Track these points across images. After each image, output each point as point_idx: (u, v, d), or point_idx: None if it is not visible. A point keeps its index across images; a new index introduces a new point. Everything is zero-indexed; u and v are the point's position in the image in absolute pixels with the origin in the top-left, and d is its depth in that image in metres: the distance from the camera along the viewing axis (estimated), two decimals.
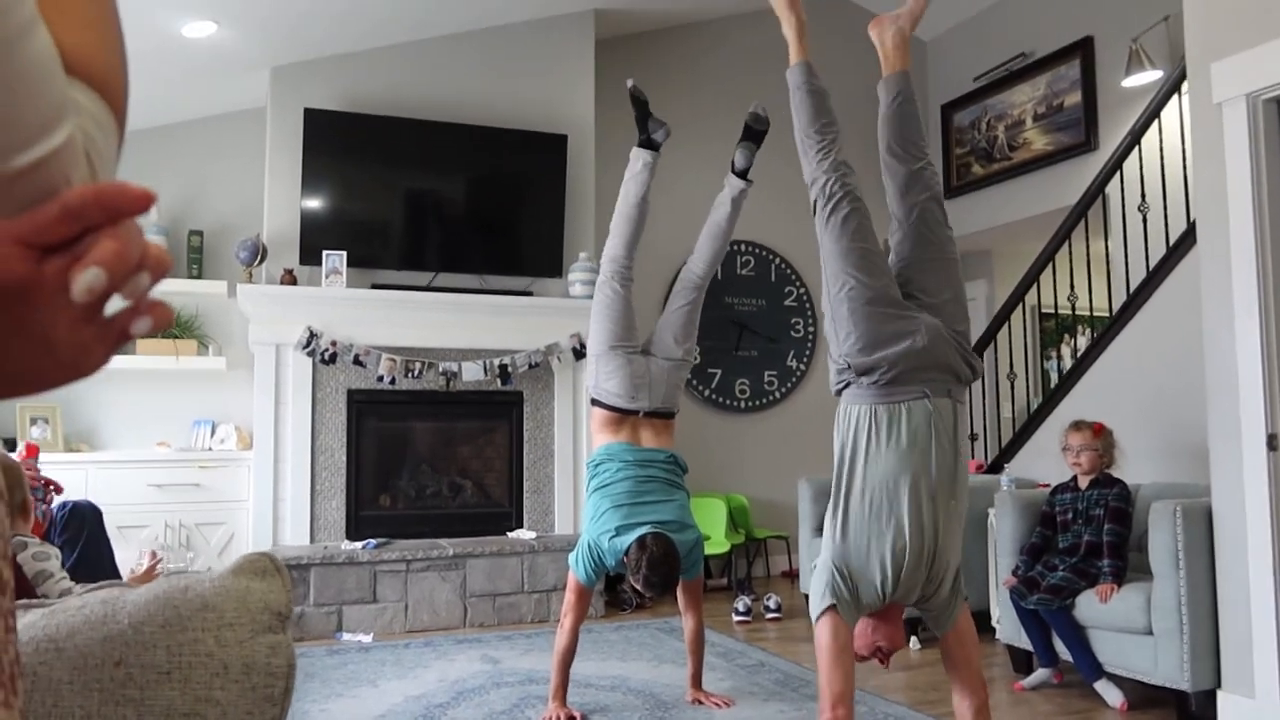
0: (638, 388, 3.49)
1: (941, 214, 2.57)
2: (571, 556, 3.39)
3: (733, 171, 3.80)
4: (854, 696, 2.30)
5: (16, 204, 0.46)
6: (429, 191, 5.46)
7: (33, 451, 3.75)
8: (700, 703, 3.55)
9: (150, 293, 0.49)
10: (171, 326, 0.49)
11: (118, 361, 5.14)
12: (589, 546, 3.31)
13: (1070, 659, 3.71)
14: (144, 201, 0.46)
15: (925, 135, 2.61)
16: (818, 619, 2.36)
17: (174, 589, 0.92)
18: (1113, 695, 3.57)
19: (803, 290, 6.96)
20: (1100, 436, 3.88)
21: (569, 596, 3.35)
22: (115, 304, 0.48)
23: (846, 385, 2.45)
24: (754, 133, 3.79)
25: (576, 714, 3.38)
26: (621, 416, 3.51)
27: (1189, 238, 4.30)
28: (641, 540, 3.15)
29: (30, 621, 0.91)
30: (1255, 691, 3.20)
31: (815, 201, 2.47)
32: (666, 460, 3.45)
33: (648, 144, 3.75)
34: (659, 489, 3.36)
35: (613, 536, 3.22)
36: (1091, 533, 3.76)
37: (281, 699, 0.91)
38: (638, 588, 3.18)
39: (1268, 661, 3.16)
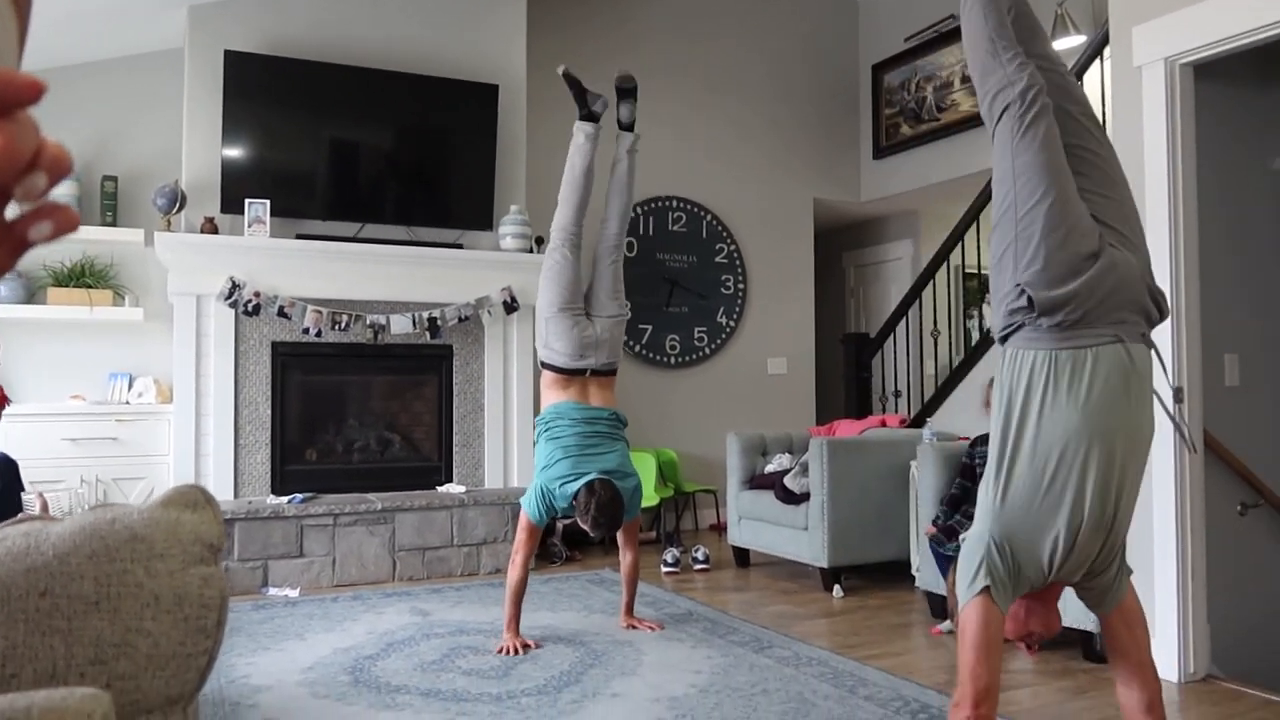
0: (585, 348, 3.78)
1: (1100, 132, 2.20)
2: (524, 498, 3.71)
3: (620, 127, 4.07)
4: (999, 691, 1.98)
5: None
6: (356, 140, 5.33)
7: None
8: (634, 627, 3.92)
9: (51, 194, 0.46)
10: (76, 231, 0.46)
11: (28, 311, 4.95)
12: (541, 491, 3.64)
13: None
14: (33, 91, 0.42)
15: (1048, 42, 2.28)
16: (965, 603, 2.01)
17: (100, 521, 0.90)
18: None
19: (733, 247, 7.01)
20: None
21: (520, 535, 3.71)
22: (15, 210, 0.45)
23: (1018, 327, 2.06)
24: (626, 91, 4.05)
25: (530, 642, 3.66)
26: (569, 377, 3.79)
27: None
28: (590, 485, 3.52)
29: None
30: (1155, 631, 3.36)
31: (1008, 105, 2.08)
32: (609, 417, 3.79)
33: (588, 116, 3.98)
34: (603, 441, 3.70)
35: (564, 484, 3.59)
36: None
37: (214, 630, 0.90)
38: (585, 527, 3.54)
39: (1168, 603, 3.33)
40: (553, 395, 3.80)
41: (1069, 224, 2.01)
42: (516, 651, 3.57)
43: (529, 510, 3.68)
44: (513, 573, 3.66)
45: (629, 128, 4.06)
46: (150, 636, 0.85)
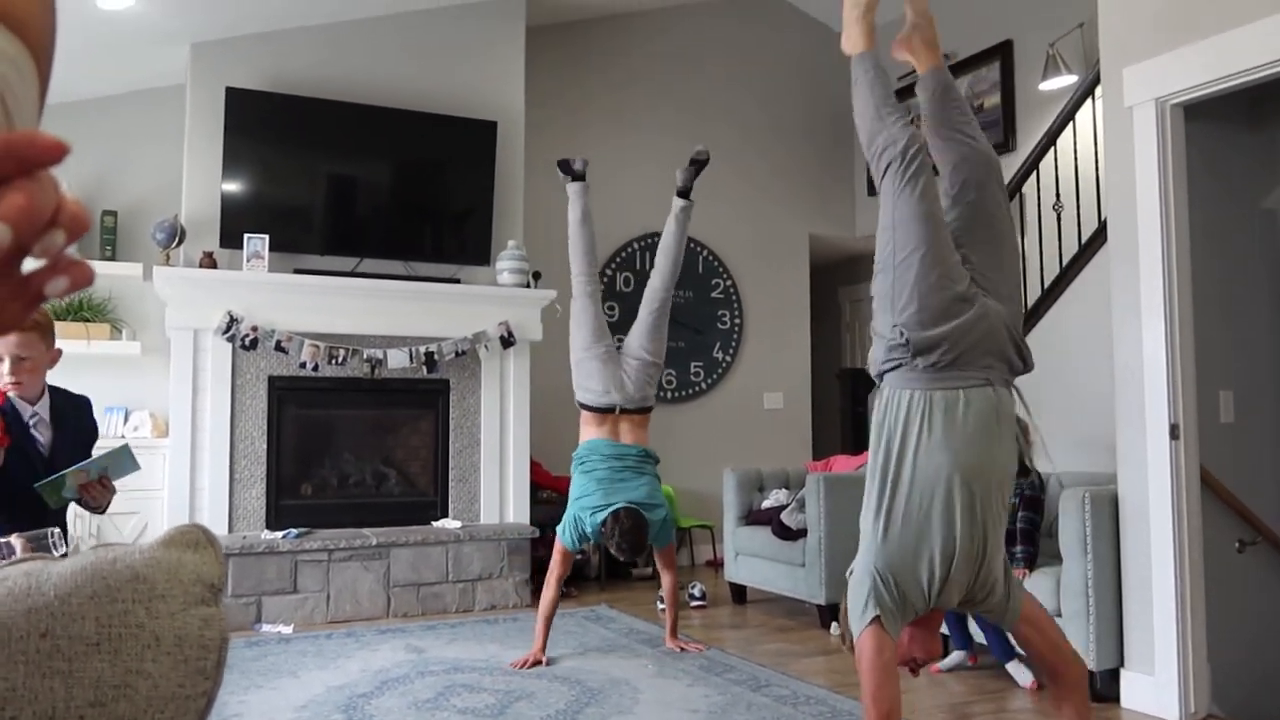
0: (611, 386, 4.07)
1: (1000, 191, 2.42)
2: (559, 526, 4.02)
3: (677, 193, 4.37)
4: (901, 713, 2.12)
5: None
6: (355, 176, 5.37)
7: None
8: (683, 650, 4.16)
9: (68, 250, 0.46)
10: (91, 285, 0.47)
11: None
12: (574, 519, 3.94)
13: (984, 642, 3.83)
14: (56, 152, 0.43)
15: (971, 118, 2.53)
16: (859, 633, 2.14)
17: (102, 560, 0.89)
18: (1023, 676, 3.70)
19: (729, 282, 7.04)
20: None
21: (555, 558, 4.03)
22: (33, 262, 0.46)
23: (896, 366, 2.21)
24: (697, 163, 4.37)
25: (544, 659, 3.93)
26: (602, 415, 4.10)
27: (1100, 236, 4.47)
28: (616, 514, 3.81)
29: None
30: (1155, 669, 3.35)
31: (890, 163, 2.27)
32: (639, 454, 4.07)
33: (576, 177, 4.33)
34: (632, 475, 3.99)
35: (594, 513, 3.87)
36: (1006, 520, 3.88)
37: (214, 672, 0.90)
38: (613, 552, 3.88)
39: (1168, 641, 3.31)
40: (588, 432, 4.12)
41: (941, 271, 2.17)
42: (535, 664, 3.89)
43: (563, 537, 3.98)
44: (546, 593, 3.99)
45: (685, 194, 4.34)
46: (150, 678, 0.84)
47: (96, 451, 2.75)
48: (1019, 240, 5.55)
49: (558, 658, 4.05)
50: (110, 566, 0.88)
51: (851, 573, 2.25)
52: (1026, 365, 2.31)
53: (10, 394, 2.45)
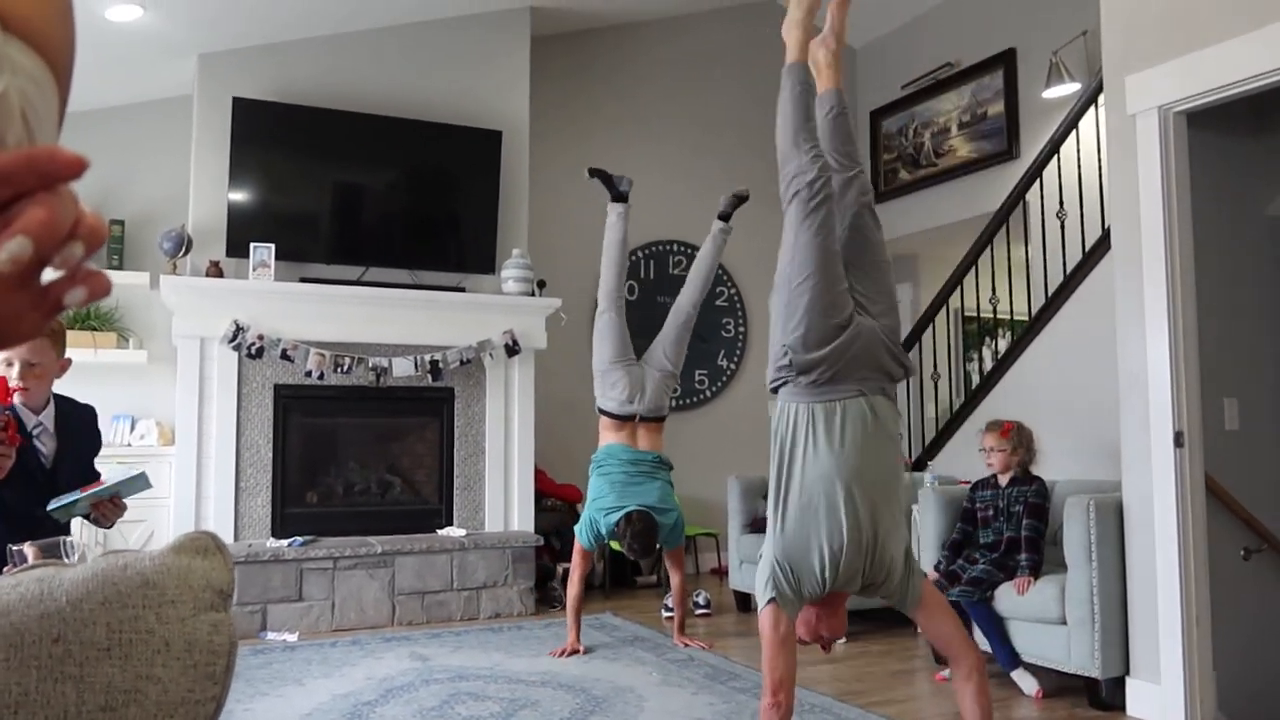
0: (633, 395, 4.34)
1: (874, 220, 2.65)
2: (577, 527, 4.28)
3: (718, 216, 4.68)
4: (795, 682, 2.40)
5: None
6: (360, 185, 5.39)
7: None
8: (687, 645, 4.39)
9: (86, 262, 0.47)
10: (108, 295, 0.48)
11: None
12: (590, 520, 4.19)
13: (989, 649, 3.83)
14: (76, 166, 0.45)
15: (858, 145, 2.71)
16: (761, 610, 2.43)
17: (113, 566, 0.90)
18: (1028, 684, 3.70)
19: (734, 290, 7.05)
20: (1008, 436, 4.01)
21: (575, 558, 4.31)
22: (52, 272, 0.47)
23: (784, 383, 2.48)
24: (739, 198, 4.71)
25: (580, 647, 4.27)
26: (621, 422, 4.35)
27: (1103, 244, 4.48)
28: (628, 516, 4.04)
29: None
30: (1161, 677, 3.35)
31: (798, 192, 2.47)
32: (653, 459, 4.32)
33: (617, 198, 4.58)
34: (646, 480, 4.23)
35: (608, 514, 4.11)
36: (1011, 528, 3.88)
37: (223, 677, 0.91)
38: (624, 552, 4.13)
39: (1173, 649, 3.31)
40: (606, 437, 4.38)
41: (829, 299, 2.44)
42: (573, 653, 4.21)
43: (580, 537, 4.24)
44: (570, 590, 4.33)
45: (725, 218, 4.67)
46: (160, 683, 0.85)
47: (100, 462, 2.73)
48: (1024, 250, 5.55)
49: (560, 669, 4.06)
50: (121, 573, 0.89)
51: (760, 557, 2.55)
52: (906, 372, 2.56)
53: (16, 399, 2.41)
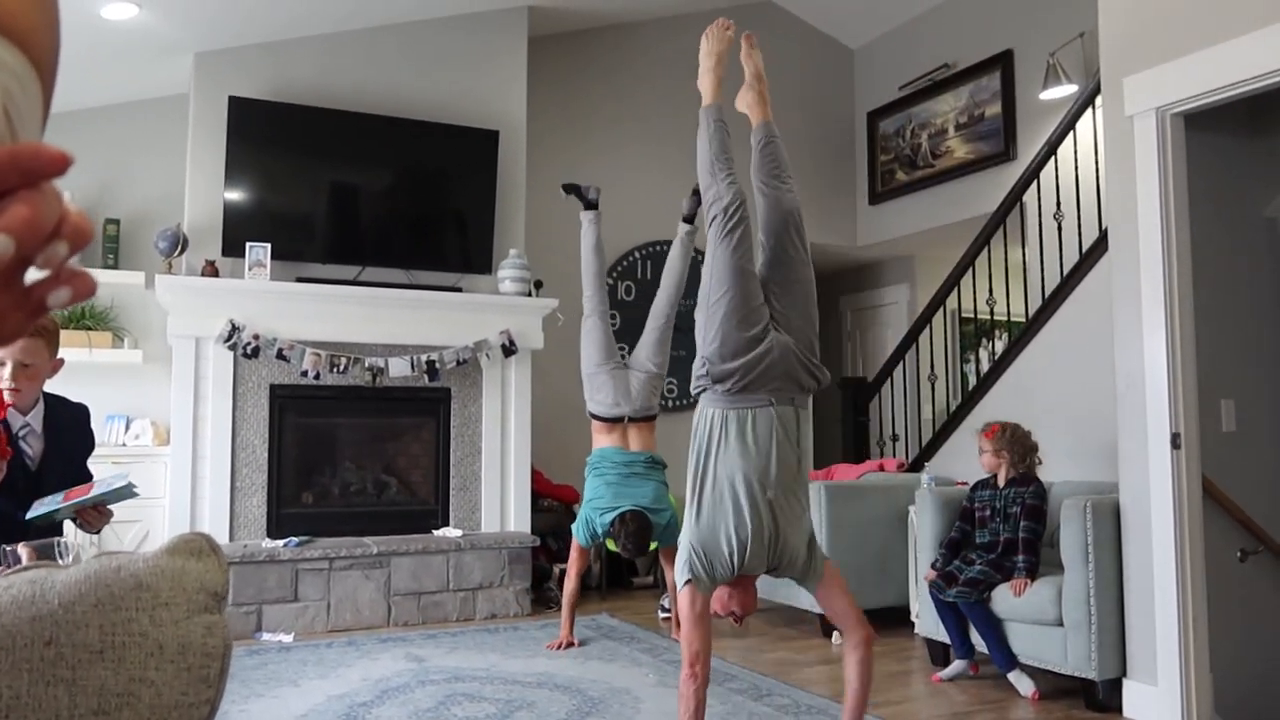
0: (620, 397, 4.49)
1: (798, 239, 2.87)
2: (574, 525, 4.45)
3: (683, 219, 4.77)
4: (710, 654, 2.70)
5: None
6: (357, 185, 5.38)
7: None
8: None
9: (71, 262, 0.46)
10: (93, 296, 0.47)
11: None
12: (586, 519, 4.36)
13: (986, 651, 3.82)
14: (60, 163, 0.44)
15: (787, 168, 2.97)
16: (680, 591, 2.73)
17: (106, 568, 0.90)
18: (1025, 685, 3.70)
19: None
20: (992, 437, 4.00)
21: (571, 554, 4.45)
22: (36, 272, 0.46)
23: (703, 390, 2.75)
24: (698, 194, 4.68)
25: (575, 641, 4.42)
26: (611, 424, 4.50)
27: (1101, 245, 4.48)
28: (622, 516, 4.21)
29: None
30: (1158, 679, 3.34)
31: (715, 216, 2.76)
32: (646, 460, 4.47)
33: (588, 205, 4.75)
34: (639, 480, 4.38)
35: (603, 514, 4.27)
36: (1008, 529, 3.88)
37: (217, 680, 0.90)
38: (619, 551, 4.30)
39: (1170, 651, 3.31)
40: (599, 440, 4.53)
41: (742, 314, 2.68)
42: (566, 646, 4.36)
43: (577, 535, 4.40)
44: (567, 585, 4.47)
45: (689, 219, 4.74)
46: (153, 686, 0.84)
47: (93, 462, 2.70)
48: (1021, 251, 5.55)
49: (557, 670, 4.05)
50: (114, 574, 0.88)
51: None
52: (819, 383, 2.80)
53: (6, 396, 2.37)
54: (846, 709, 2.81)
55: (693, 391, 2.79)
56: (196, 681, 0.88)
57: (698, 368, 2.74)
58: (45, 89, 0.52)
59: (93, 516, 2.39)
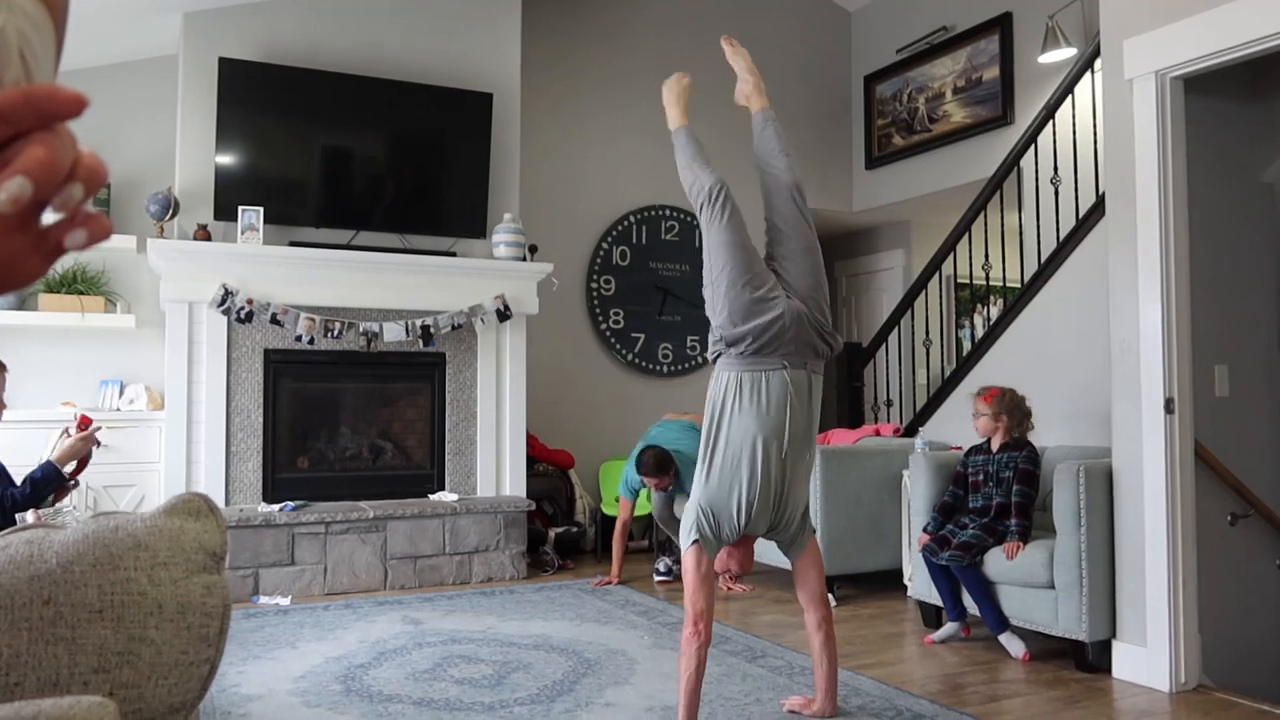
0: None
1: (801, 211, 2.98)
2: (619, 485, 5.22)
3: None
4: (713, 614, 2.81)
5: None
6: (350, 148, 5.33)
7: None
8: (729, 589, 4.93)
9: (86, 205, 0.47)
10: (109, 238, 0.47)
11: (20, 317, 4.93)
12: (625, 474, 5.06)
13: (978, 613, 3.86)
14: (76, 104, 0.44)
15: (788, 144, 3.13)
16: (685, 551, 2.81)
17: (103, 529, 0.89)
18: (1016, 647, 3.74)
19: None
20: (990, 401, 4.02)
21: (620, 504, 5.18)
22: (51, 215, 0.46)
23: (719, 355, 2.84)
24: None
25: (616, 580, 5.04)
26: None
27: (1097, 210, 4.47)
28: (643, 450, 4.86)
29: None
30: (1147, 641, 3.38)
31: (703, 203, 2.88)
32: (689, 425, 5.12)
33: None
34: (673, 434, 5.10)
35: (632, 459, 4.96)
36: (1001, 494, 3.91)
37: (216, 639, 0.90)
38: (644, 481, 4.83)
39: (1159, 613, 3.34)
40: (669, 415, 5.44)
41: (744, 280, 2.78)
42: (608, 584, 5.00)
43: (620, 490, 5.13)
44: (615, 533, 5.12)
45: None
46: (153, 645, 0.85)
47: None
48: (1018, 216, 5.53)
49: (553, 632, 4.08)
50: (112, 535, 0.88)
51: (686, 504, 2.92)
52: (833, 349, 2.89)
53: None
54: (823, 683, 2.96)
55: (710, 358, 2.89)
56: (196, 640, 0.88)
57: (712, 336, 2.84)
58: (59, 32, 0.52)
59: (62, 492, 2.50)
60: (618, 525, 5.11)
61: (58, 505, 2.55)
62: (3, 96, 0.43)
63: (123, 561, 0.86)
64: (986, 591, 3.83)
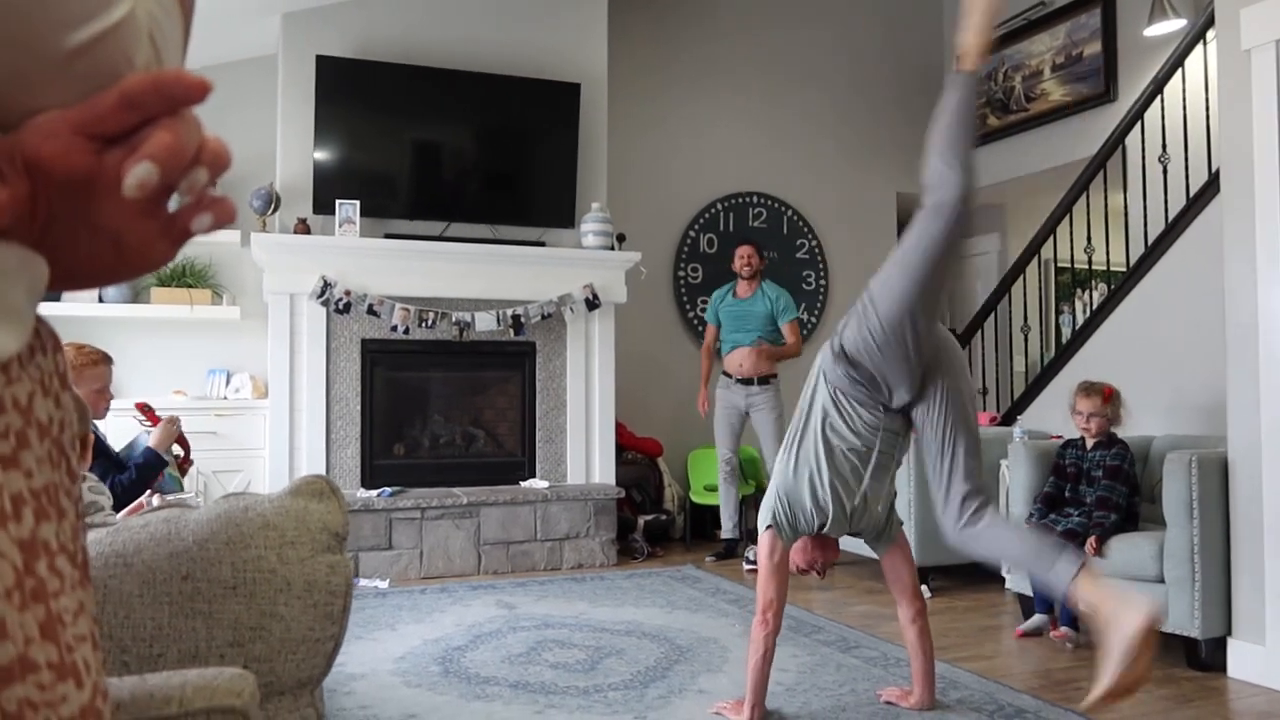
0: None
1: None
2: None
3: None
4: (785, 603, 2.78)
5: (78, 86, 0.44)
6: (441, 141, 5.42)
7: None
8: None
9: (210, 189, 0.47)
10: (234, 221, 0.47)
11: (134, 310, 5.15)
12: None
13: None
14: (201, 90, 0.44)
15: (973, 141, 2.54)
16: (760, 535, 2.78)
17: (234, 508, 0.93)
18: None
19: (815, 243, 6.93)
20: (1109, 402, 3.88)
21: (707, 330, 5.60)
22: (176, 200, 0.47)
23: (835, 357, 2.70)
24: None
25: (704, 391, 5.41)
26: None
27: (1210, 189, 4.27)
28: None
29: (95, 539, 0.92)
30: (1266, 638, 3.23)
31: (931, 206, 2.51)
32: None
33: None
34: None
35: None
36: (1094, 491, 3.79)
37: (340, 616, 0.93)
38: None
39: (1279, 609, 3.19)
40: None
41: (905, 328, 2.57)
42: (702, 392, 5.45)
43: (708, 317, 5.59)
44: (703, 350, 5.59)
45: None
46: (283, 621, 0.87)
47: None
48: (1122, 197, 5.34)
49: (644, 619, 4.10)
50: (242, 514, 0.91)
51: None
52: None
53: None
54: (920, 675, 2.91)
55: (833, 349, 2.69)
56: (322, 617, 0.91)
57: (841, 340, 2.64)
58: (186, 16, 0.53)
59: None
60: (704, 346, 5.51)
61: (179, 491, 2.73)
62: (131, 83, 0.43)
63: (253, 540, 0.89)
64: None
